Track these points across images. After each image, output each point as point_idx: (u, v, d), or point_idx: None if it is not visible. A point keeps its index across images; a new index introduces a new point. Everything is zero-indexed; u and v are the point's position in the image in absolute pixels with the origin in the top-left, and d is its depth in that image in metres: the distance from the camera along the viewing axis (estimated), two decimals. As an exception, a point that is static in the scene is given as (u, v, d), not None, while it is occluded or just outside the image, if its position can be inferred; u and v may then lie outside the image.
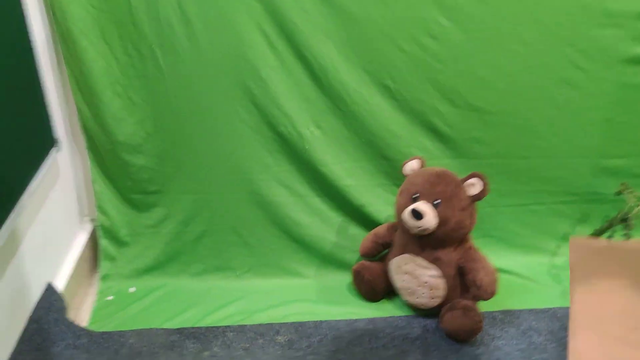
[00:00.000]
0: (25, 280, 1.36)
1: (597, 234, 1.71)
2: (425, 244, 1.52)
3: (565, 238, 1.90)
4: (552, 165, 1.79)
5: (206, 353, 1.51)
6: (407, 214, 1.47)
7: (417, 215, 1.44)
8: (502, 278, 1.79)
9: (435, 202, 1.46)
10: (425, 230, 1.46)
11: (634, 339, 1.00)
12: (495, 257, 1.83)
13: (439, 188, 1.46)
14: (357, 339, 1.56)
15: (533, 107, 1.69)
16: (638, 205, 1.63)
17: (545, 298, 1.72)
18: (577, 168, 1.80)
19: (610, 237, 1.69)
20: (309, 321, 1.61)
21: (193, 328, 1.58)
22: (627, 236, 1.62)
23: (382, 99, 1.64)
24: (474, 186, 1.46)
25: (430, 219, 1.45)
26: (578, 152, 1.78)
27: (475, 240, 1.82)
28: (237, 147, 1.65)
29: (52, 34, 1.51)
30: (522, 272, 1.80)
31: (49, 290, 1.46)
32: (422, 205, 1.46)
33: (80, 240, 1.73)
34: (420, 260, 1.54)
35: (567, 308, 1.65)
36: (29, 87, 1.32)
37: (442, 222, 1.45)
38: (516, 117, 1.70)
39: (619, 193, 1.73)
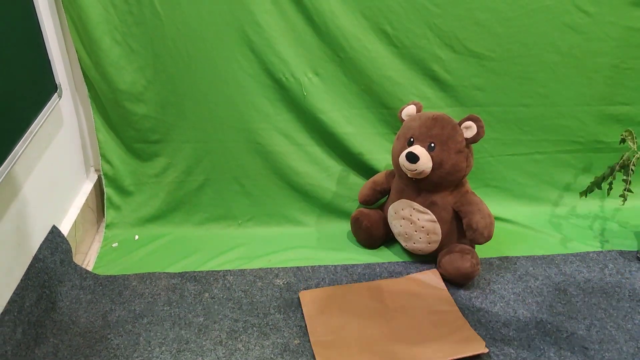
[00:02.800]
0: (30, 220, 1.41)
1: (598, 181, 1.70)
2: (421, 188, 1.53)
3: (567, 188, 1.89)
4: (555, 113, 1.77)
5: (206, 295, 1.55)
6: (402, 157, 1.47)
7: (412, 158, 1.45)
8: (502, 227, 1.80)
9: (431, 145, 1.46)
10: (420, 173, 1.47)
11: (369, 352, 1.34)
12: (496, 206, 1.84)
13: (435, 131, 1.46)
14: (353, 281, 1.58)
15: (534, 53, 1.66)
16: (639, 153, 1.61)
17: (543, 245, 1.72)
18: (580, 116, 1.78)
19: (610, 184, 1.67)
20: (307, 266, 1.64)
21: (194, 272, 1.63)
22: (627, 182, 1.60)
23: (380, 45, 1.63)
24: (469, 129, 1.45)
25: (425, 161, 1.45)
26: (582, 100, 1.75)
27: (476, 190, 1.83)
28: (237, 94, 1.66)
29: (51, -20, 1.52)
30: (522, 221, 1.80)
31: (54, 232, 1.51)
32: (417, 149, 1.46)
33: (86, 188, 1.77)
34: (416, 205, 1.55)
35: (567, 254, 1.68)
36: (27, 31, 1.34)
37: (438, 165, 1.46)
38: (516, 63, 1.67)
39: (622, 141, 1.70)
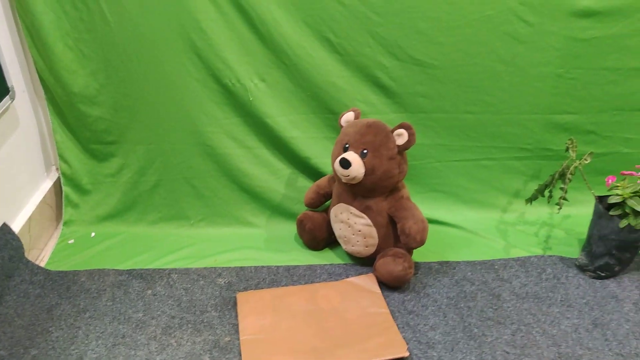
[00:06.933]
0: (-22, 217, 1.48)
1: (541, 189, 1.72)
2: (357, 193, 1.57)
3: (517, 194, 1.91)
4: (501, 121, 1.79)
5: (149, 291, 1.61)
6: (336, 163, 1.52)
7: (344, 164, 1.49)
8: (447, 231, 1.83)
9: (364, 152, 1.50)
10: (353, 178, 1.51)
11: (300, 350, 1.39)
12: (444, 211, 1.88)
13: (368, 138, 1.50)
14: (293, 283, 1.63)
15: (477, 61, 1.69)
16: (577, 160, 1.63)
17: (486, 251, 1.75)
18: (527, 124, 1.80)
19: (550, 191, 1.70)
20: (250, 266, 1.69)
21: (141, 269, 1.68)
22: (564, 190, 1.63)
23: (324, 53, 1.67)
24: (401, 136, 1.49)
25: (358, 167, 1.49)
26: (528, 108, 1.78)
27: (424, 195, 1.87)
28: (186, 98, 1.71)
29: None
30: (468, 227, 1.83)
31: (4, 229, 1.58)
32: (350, 155, 1.50)
33: (45, 187, 1.84)
34: (353, 209, 1.59)
35: (507, 259, 1.71)
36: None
37: (370, 171, 1.50)
38: (460, 71, 1.70)
39: (567, 149, 1.72)
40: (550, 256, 1.72)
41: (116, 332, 1.47)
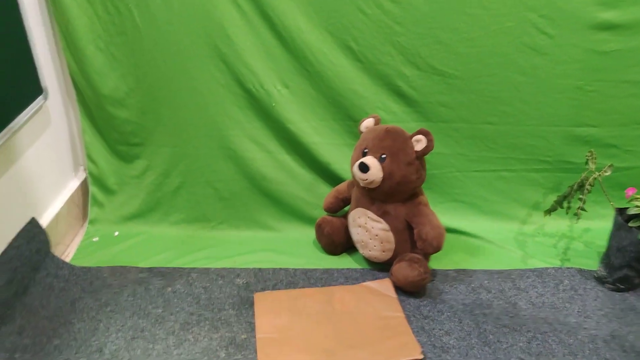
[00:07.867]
0: (9, 211, 1.53)
1: (560, 200, 1.72)
2: (375, 197, 1.59)
3: (536, 206, 1.91)
4: (521, 132, 1.81)
5: (169, 289, 1.64)
6: (355, 167, 1.54)
7: (363, 168, 1.52)
8: (465, 240, 1.84)
9: (382, 157, 1.53)
10: (371, 183, 1.53)
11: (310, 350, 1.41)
12: (463, 221, 1.88)
13: (386, 143, 1.53)
14: (310, 285, 1.65)
15: (496, 72, 1.71)
16: (597, 172, 1.63)
17: (503, 260, 1.75)
18: (547, 136, 1.81)
19: (569, 203, 1.70)
20: (268, 268, 1.72)
21: (162, 268, 1.72)
22: (582, 201, 1.63)
23: (346, 61, 1.71)
24: (420, 142, 1.51)
25: (376, 172, 1.52)
26: (548, 120, 1.79)
27: (444, 205, 1.88)
28: (210, 103, 1.77)
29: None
30: (486, 237, 1.84)
31: (32, 223, 1.63)
32: (368, 159, 1.53)
33: (72, 186, 1.90)
34: (371, 214, 1.61)
35: (525, 270, 1.70)
36: (14, 41, 1.48)
37: (388, 175, 1.52)
38: (480, 82, 1.73)
39: (586, 162, 1.72)
40: (569, 268, 1.71)
41: (136, 326, 1.50)
